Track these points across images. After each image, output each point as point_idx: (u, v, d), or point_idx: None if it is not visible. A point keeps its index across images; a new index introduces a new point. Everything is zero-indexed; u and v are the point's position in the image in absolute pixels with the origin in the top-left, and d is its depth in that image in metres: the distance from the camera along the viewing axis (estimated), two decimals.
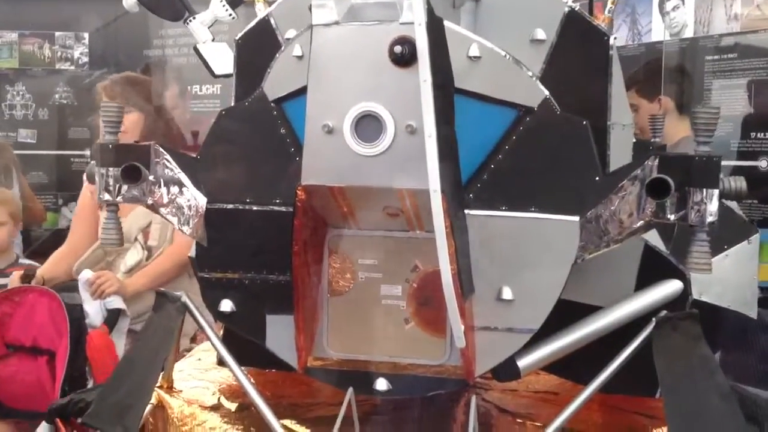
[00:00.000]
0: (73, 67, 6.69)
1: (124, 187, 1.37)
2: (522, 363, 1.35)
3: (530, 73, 1.31)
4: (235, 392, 1.58)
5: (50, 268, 3.21)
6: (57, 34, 6.59)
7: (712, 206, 1.19)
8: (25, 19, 6.34)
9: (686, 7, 4.35)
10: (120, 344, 2.87)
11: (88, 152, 5.86)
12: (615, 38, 1.42)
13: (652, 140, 1.95)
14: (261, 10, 1.67)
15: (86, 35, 6.35)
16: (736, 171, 3.91)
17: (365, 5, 1.20)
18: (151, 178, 1.37)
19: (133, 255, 3.03)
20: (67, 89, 6.62)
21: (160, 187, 1.38)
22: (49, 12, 6.48)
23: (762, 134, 3.94)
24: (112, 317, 2.86)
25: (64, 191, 6.54)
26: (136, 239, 3.02)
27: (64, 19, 6.47)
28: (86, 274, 2.88)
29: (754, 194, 3.87)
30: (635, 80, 3.86)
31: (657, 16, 4.63)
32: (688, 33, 4.33)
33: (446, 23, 1.23)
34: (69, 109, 6.55)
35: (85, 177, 2.73)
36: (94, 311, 2.87)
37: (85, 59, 6.47)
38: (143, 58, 5.07)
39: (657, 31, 4.79)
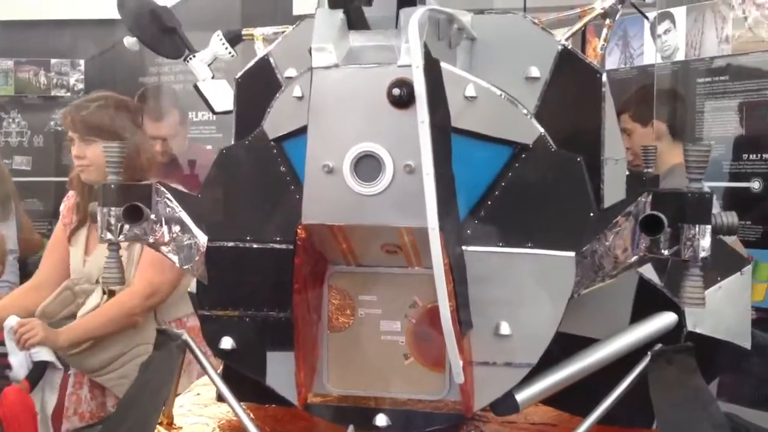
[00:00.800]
0: (69, 94, 6.74)
1: (126, 227, 1.38)
2: (520, 397, 1.36)
3: (525, 111, 1.34)
4: (235, 428, 1.59)
5: (8, 304, 2.88)
6: (53, 61, 6.65)
7: (705, 242, 1.22)
8: (20, 46, 6.39)
9: (678, 30, 4.41)
10: (51, 401, 2.62)
11: None
12: (606, 74, 1.45)
13: (645, 171, 1.98)
14: (260, 48, 1.71)
15: (82, 62, 6.40)
16: (728, 192, 3.96)
17: (364, 48, 1.23)
18: (152, 217, 1.39)
19: (94, 298, 2.73)
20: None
21: (161, 225, 1.40)
22: (45, 39, 6.54)
23: (754, 156, 3.99)
24: (37, 371, 2.59)
25: (59, 218, 6.56)
26: (97, 281, 2.73)
27: (59, 47, 6.52)
28: (11, 321, 2.57)
29: (747, 215, 3.91)
30: (628, 105, 3.89)
31: (649, 39, 4.68)
32: (680, 56, 4.39)
33: (443, 64, 1.26)
34: (64, 136, 6.58)
35: (61, 209, 2.70)
36: (18, 363, 2.57)
37: (81, 86, 6.53)
38: (139, 85, 5.10)
39: (649, 54, 4.85)
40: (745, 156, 4.02)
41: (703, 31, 4.28)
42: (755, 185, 3.95)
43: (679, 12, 4.39)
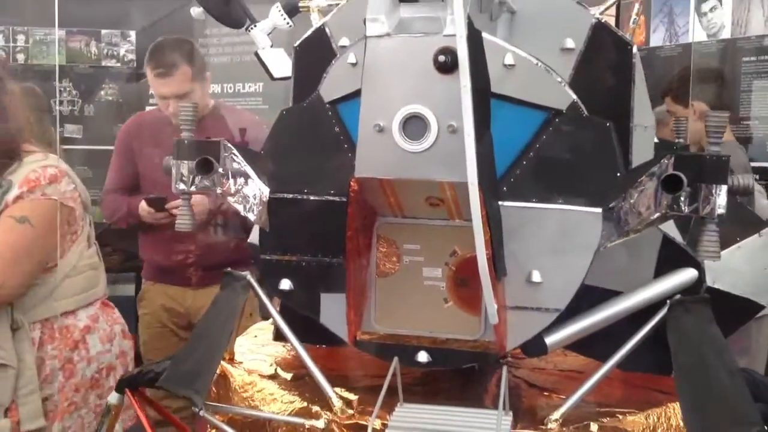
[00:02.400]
0: (119, 65, 6.93)
1: (197, 178, 1.54)
2: (549, 340, 1.49)
3: (559, 79, 1.46)
4: (290, 364, 1.75)
5: None
6: (103, 31, 6.83)
7: (721, 200, 1.33)
8: (72, 16, 6.56)
9: (724, 8, 4.41)
10: None
11: None
12: (637, 47, 1.56)
13: (677, 141, 2.08)
14: (315, 20, 1.84)
15: (132, 33, 6.57)
16: None
17: (413, 19, 1.36)
18: (220, 170, 1.54)
19: None
20: (112, 86, 6.87)
21: (228, 178, 1.55)
22: (96, 10, 6.72)
23: None
24: None
25: None
26: None
27: (110, 17, 6.70)
28: None
29: None
30: (671, 88, 3.92)
31: (695, 16, 4.68)
32: (726, 34, 4.40)
33: (484, 35, 1.39)
34: (114, 106, 6.80)
35: None
36: None
37: (131, 56, 6.71)
38: None
39: (695, 32, 4.84)
40: None
41: (749, 9, 4.28)
42: None
43: None
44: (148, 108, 5.18)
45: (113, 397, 1.82)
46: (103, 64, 6.90)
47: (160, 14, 5.45)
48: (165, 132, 3.11)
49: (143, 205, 3.19)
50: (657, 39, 5.11)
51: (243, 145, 3.48)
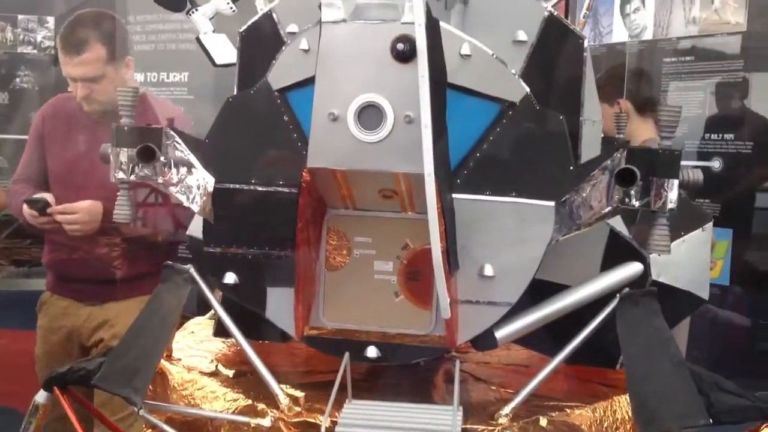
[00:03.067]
0: (35, 51, 6.68)
1: (137, 167, 1.47)
2: (499, 334, 1.48)
3: (513, 71, 1.45)
4: (231, 360, 1.70)
5: None
6: (20, 17, 6.58)
7: (673, 194, 1.35)
8: None
9: (646, 9, 4.52)
10: None
11: None
12: (587, 41, 1.57)
13: (617, 136, 2.10)
14: (260, 4, 1.79)
15: (51, 19, 6.33)
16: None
17: (370, 5, 1.32)
18: (162, 159, 1.47)
19: None
20: (28, 73, 6.61)
21: (170, 167, 1.48)
22: None
23: (715, 136, 4.14)
24: None
25: None
26: None
27: (27, 2, 6.44)
28: None
29: (706, 194, 4.06)
30: (597, 87, 3.99)
31: (618, 17, 4.79)
32: (648, 35, 4.51)
33: (441, 23, 1.36)
34: (30, 94, 6.54)
35: None
36: None
37: (48, 43, 6.46)
38: None
39: (618, 33, 4.95)
40: (706, 136, 4.17)
41: (671, 11, 4.40)
42: (715, 164, 4.10)
43: None
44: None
45: (41, 396, 1.72)
46: (19, 50, 6.66)
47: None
48: (78, 119, 2.89)
49: (25, 206, 2.83)
50: None
51: None
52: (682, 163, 1.37)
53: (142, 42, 5.08)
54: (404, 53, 1.27)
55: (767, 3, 4.03)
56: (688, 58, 4.32)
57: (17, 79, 6.50)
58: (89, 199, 2.76)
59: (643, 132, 3.74)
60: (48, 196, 2.82)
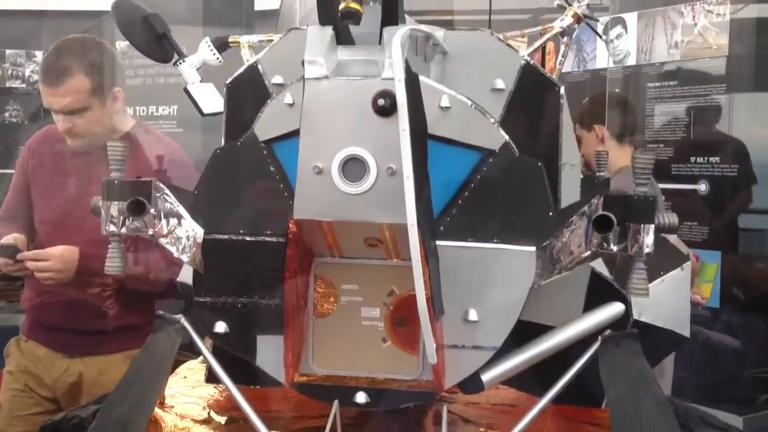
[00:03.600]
0: (24, 86, 6.72)
1: (128, 220, 1.50)
2: (485, 377, 1.51)
3: (492, 120, 1.49)
4: (224, 407, 1.72)
5: None
6: (8, 52, 6.63)
7: (649, 239, 1.38)
8: None
9: (629, 35, 4.60)
10: None
11: None
12: (564, 88, 1.61)
13: (598, 174, 2.15)
14: (246, 55, 1.83)
15: (39, 53, 6.37)
16: (676, 194, 4.14)
17: (351, 62, 1.37)
18: (152, 211, 1.51)
19: None
20: (17, 108, 6.65)
21: (160, 219, 1.51)
22: (0, 29, 6.50)
23: (701, 159, 4.19)
24: None
25: None
26: None
27: (15, 37, 6.49)
28: None
29: (693, 217, 4.11)
30: (580, 114, 4.07)
31: (601, 43, 4.87)
32: (631, 60, 4.58)
33: (421, 78, 1.41)
34: (19, 128, 6.58)
35: None
36: None
37: (36, 77, 6.50)
38: None
39: (601, 58, 5.03)
40: (692, 159, 4.23)
41: (653, 36, 4.47)
42: (701, 187, 4.16)
43: (631, 17, 4.57)
44: None
45: None
46: (8, 84, 6.69)
47: (67, 34, 5.28)
48: (62, 154, 2.73)
49: None
50: (566, 65, 5.29)
51: (161, 175, 3.25)
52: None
53: (131, 76, 5.12)
54: (385, 108, 1.31)
55: (748, 27, 4.12)
56: (672, 82, 4.39)
57: (6, 113, 6.56)
58: (72, 242, 2.61)
59: (620, 159, 3.79)
60: (19, 240, 2.66)
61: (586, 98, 4.52)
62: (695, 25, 4.20)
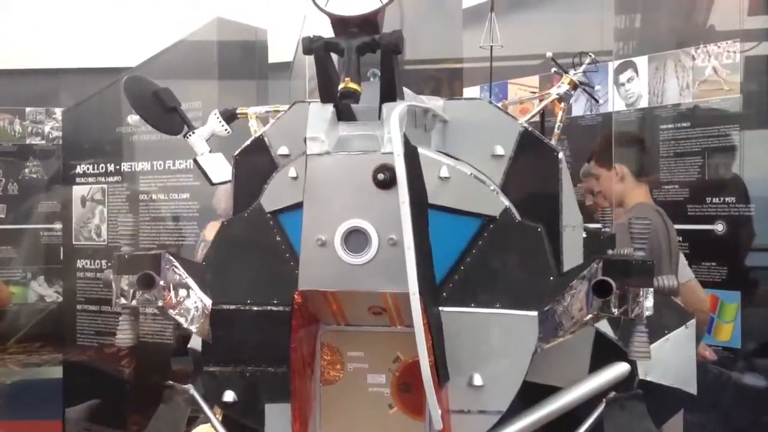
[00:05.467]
0: (44, 142, 6.86)
1: (138, 292, 1.54)
2: None
3: (492, 187, 1.52)
4: None
5: None
6: (28, 109, 6.79)
7: (648, 302, 1.40)
8: None
9: (640, 78, 4.64)
10: None
11: (57, 225, 6.01)
12: (562, 153, 1.64)
13: (603, 230, 2.17)
14: (253, 126, 1.88)
15: (57, 111, 6.51)
16: (693, 235, 4.13)
17: (352, 137, 1.41)
18: (161, 283, 1.55)
19: None
20: (37, 163, 6.79)
21: (169, 291, 1.55)
22: (20, 87, 6.66)
23: (717, 199, 4.20)
24: None
25: (33, 265, 6.65)
26: None
27: (35, 95, 6.65)
28: None
29: (711, 257, 4.10)
30: (593, 153, 4.10)
31: (612, 87, 4.91)
32: (643, 103, 4.62)
33: (420, 150, 1.45)
34: (39, 183, 6.71)
35: None
36: None
37: (56, 134, 6.63)
38: (116, 135, 5.22)
39: (612, 102, 5.07)
40: (708, 199, 4.23)
41: (664, 79, 4.51)
42: (719, 228, 4.15)
43: (641, 61, 4.61)
44: (74, 187, 5.14)
45: None
46: (28, 141, 6.85)
47: (88, 92, 5.41)
48: None
49: None
50: (578, 108, 5.34)
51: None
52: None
53: (148, 132, 5.22)
54: (385, 181, 1.35)
55: (759, 65, 4.14)
56: (684, 124, 4.41)
57: (26, 170, 6.69)
58: None
59: (637, 195, 3.82)
60: None
61: (601, 137, 4.54)
62: (705, 67, 4.23)
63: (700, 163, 4.31)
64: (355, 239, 1.39)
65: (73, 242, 5.15)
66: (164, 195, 4.92)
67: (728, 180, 4.23)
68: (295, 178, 1.50)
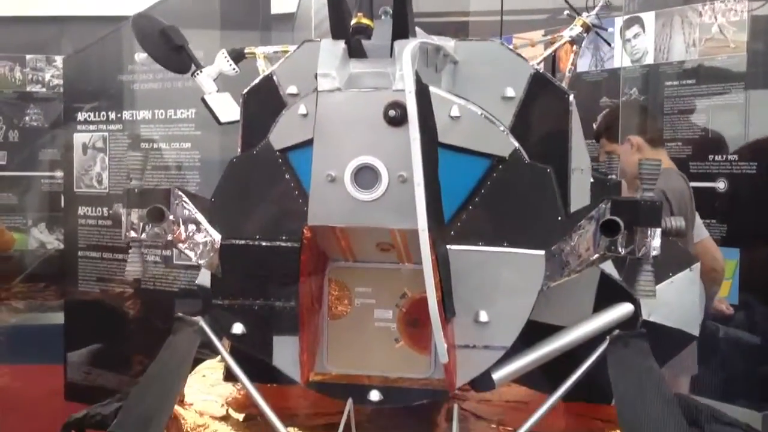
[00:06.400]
0: (44, 90, 6.83)
1: (148, 226, 1.56)
2: (496, 375, 1.55)
3: (502, 128, 1.53)
4: (242, 404, 1.77)
5: None
6: (28, 57, 6.74)
7: (656, 242, 1.42)
8: None
9: (647, 34, 4.61)
10: None
11: (58, 173, 6.01)
12: (573, 95, 1.64)
13: (609, 177, 2.17)
14: (262, 66, 1.88)
15: (58, 58, 6.47)
16: (694, 192, 4.15)
17: (362, 74, 1.41)
18: (171, 218, 1.56)
19: None
20: (37, 111, 6.77)
21: (179, 225, 1.57)
22: (21, 35, 6.61)
23: (719, 156, 4.20)
24: None
25: (34, 212, 6.68)
26: None
27: (36, 42, 6.60)
28: None
29: (712, 215, 4.11)
30: (600, 131, 4.06)
31: (618, 42, 4.88)
32: (649, 59, 4.59)
33: (431, 88, 1.45)
34: (40, 131, 6.69)
35: None
36: None
37: (57, 82, 6.60)
38: (117, 83, 5.19)
39: (620, 57, 5.04)
40: (710, 157, 4.23)
41: (671, 35, 4.48)
42: (720, 185, 4.16)
43: (648, 17, 4.57)
44: (75, 135, 5.14)
45: None
46: (28, 89, 6.81)
47: (89, 41, 5.36)
48: None
49: None
50: (583, 64, 5.31)
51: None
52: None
53: (150, 81, 5.20)
54: (396, 118, 1.35)
55: (766, 26, 4.12)
56: (689, 81, 4.39)
57: (27, 117, 6.68)
58: None
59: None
60: None
61: (604, 112, 4.52)
62: (712, 24, 4.20)
63: (704, 120, 4.30)
64: (365, 176, 1.39)
65: (74, 190, 5.17)
66: (166, 144, 4.92)
67: (731, 138, 4.22)
68: (305, 116, 1.50)
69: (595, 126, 4.19)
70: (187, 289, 3.86)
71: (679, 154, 4.27)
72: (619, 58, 5.05)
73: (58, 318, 5.45)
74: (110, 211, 4.91)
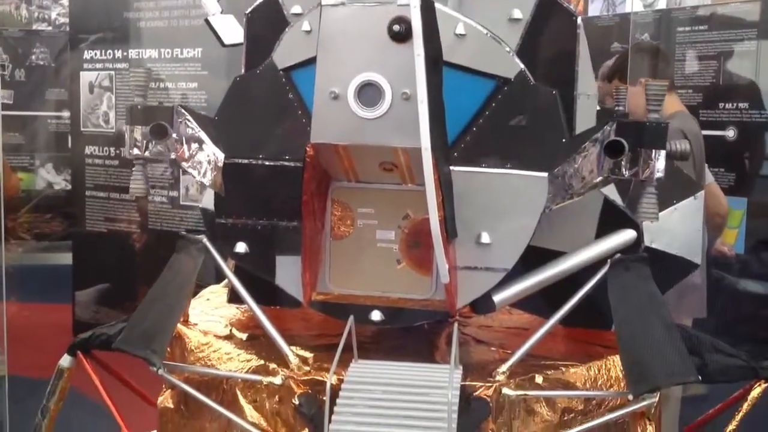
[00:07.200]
0: (50, 28, 6.77)
1: (151, 143, 1.56)
2: (497, 298, 1.56)
3: (508, 49, 1.51)
4: (245, 325, 1.79)
5: None
6: None
7: (660, 164, 1.41)
8: None
9: None
10: None
11: (65, 113, 6.00)
12: (581, 18, 1.62)
13: (616, 108, 2.16)
14: None
15: None
16: (704, 139, 4.12)
17: None
18: (174, 136, 1.56)
19: None
20: (44, 50, 6.72)
21: (182, 143, 1.57)
22: None
23: (730, 105, 4.16)
24: None
25: (41, 152, 6.68)
26: None
27: None
28: None
29: (721, 163, 4.09)
30: (615, 72, 4.01)
31: None
32: (662, 5, 4.53)
33: (437, 4, 1.42)
34: (46, 70, 6.65)
35: None
36: None
37: (63, 20, 6.53)
38: (123, 21, 5.14)
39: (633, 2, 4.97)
40: (720, 105, 4.20)
41: None
42: (729, 134, 4.13)
43: None
44: (82, 73, 5.11)
45: (65, 360, 1.83)
46: (34, 27, 6.75)
47: None
48: None
49: None
50: (595, 9, 5.23)
51: None
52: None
53: (155, 18, 5.14)
54: (400, 34, 1.33)
55: None
56: (701, 27, 4.34)
57: (33, 56, 6.63)
58: None
59: (671, 104, 3.77)
60: None
61: (618, 55, 4.47)
62: None
63: (715, 67, 4.25)
64: (369, 93, 1.38)
65: (81, 129, 5.16)
66: (172, 84, 4.89)
67: (742, 86, 4.18)
68: (308, 32, 1.49)
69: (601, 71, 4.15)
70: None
71: (690, 102, 4.22)
72: (631, 2, 4.99)
73: (67, 258, 5.49)
74: (117, 151, 4.91)
